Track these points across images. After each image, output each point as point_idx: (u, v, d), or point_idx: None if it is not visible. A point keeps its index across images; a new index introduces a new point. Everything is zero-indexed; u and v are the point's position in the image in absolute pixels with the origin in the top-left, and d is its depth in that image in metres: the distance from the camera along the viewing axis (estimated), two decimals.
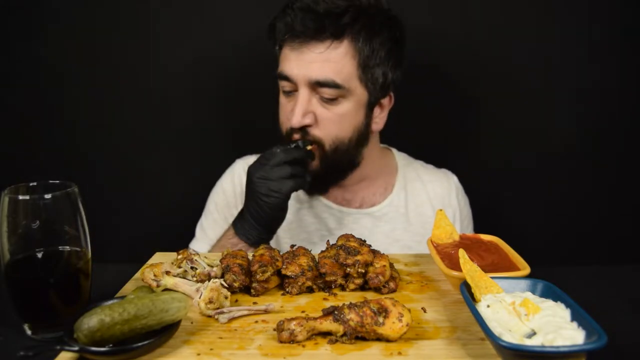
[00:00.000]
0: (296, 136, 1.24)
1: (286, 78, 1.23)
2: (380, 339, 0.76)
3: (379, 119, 1.32)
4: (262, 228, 1.16)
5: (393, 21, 1.26)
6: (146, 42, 1.63)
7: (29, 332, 0.81)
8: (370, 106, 1.27)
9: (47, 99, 1.65)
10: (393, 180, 1.43)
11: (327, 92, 1.20)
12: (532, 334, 0.70)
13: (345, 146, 1.26)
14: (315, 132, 1.23)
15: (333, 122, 1.22)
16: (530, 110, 1.63)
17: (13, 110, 1.66)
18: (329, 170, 1.27)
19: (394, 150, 1.49)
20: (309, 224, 1.35)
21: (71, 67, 1.63)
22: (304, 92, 1.21)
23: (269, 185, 1.13)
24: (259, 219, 1.15)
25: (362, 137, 1.28)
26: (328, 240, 1.03)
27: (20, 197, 0.78)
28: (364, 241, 1.00)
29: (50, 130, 1.67)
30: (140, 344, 0.72)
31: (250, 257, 0.98)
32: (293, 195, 1.36)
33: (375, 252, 0.98)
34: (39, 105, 1.66)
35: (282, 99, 1.30)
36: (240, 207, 1.32)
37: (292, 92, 1.25)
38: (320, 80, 1.19)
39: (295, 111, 1.21)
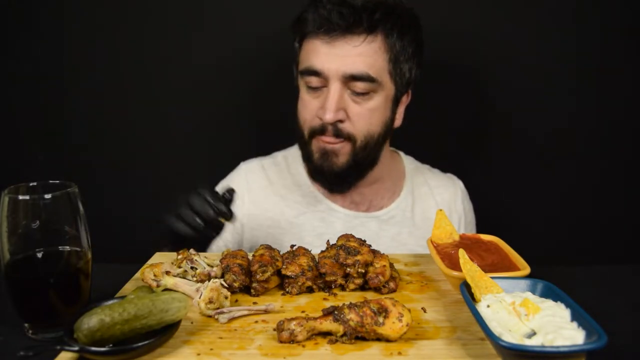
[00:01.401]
0: (328, 134, 1.21)
1: (315, 73, 1.21)
2: (380, 339, 0.76)
3: (399, 116, 1.33)
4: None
5: (417, 21, 1.28)
6: (150, 41, 1.63)
7: (29, 332, 0.81)
8: (395, 101, 1.28)
9: (48, 98, 1.65)
10: (401, 184, 1.42)
11: (360, 86, 1.19)
12: (532, 334, 0.70)
13: (374, 142, 1.25)
14: (348, 128, 1.21)
15: (365, 117, 1.22)
16: (531, 111, 1.63)
17: (13, 110, 1.66)
18: (356, 166, 1.26)
19: (402, 154, 1.49)
20: (315, 227, 1.35)
21: (72, 66, 1.63)
22: (336, 87, 1.19)
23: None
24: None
25: (387, 132, 1.28)
26: (328, 240, 1.03)
27: (20, 197, 0.78)
28: (364, 241, 1.00)
29: (50, 130, 1.66)
30: (140, 344, 0.72)
31: (250, 257, 0.98)
32: (298, 198, 1.36)
33: (375, 252, 0.98)
34: (39, 105, 1.65)
35: (306, 96, 1.26)
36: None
37: (320, 88, 1.23)
38: (355, 74, 1.18)
39: (328, 106, 1.19)
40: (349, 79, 1.19)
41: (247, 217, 1.37)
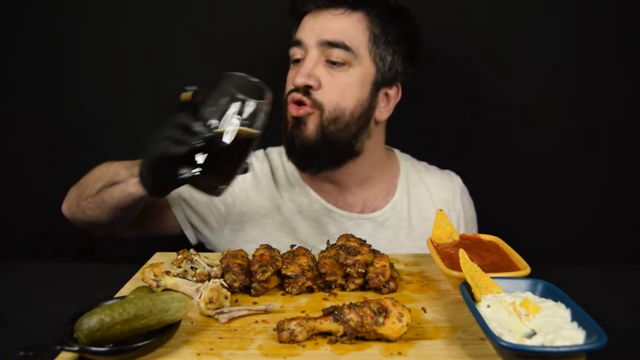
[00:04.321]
0: (296, 96, 1.22)
1: (297, 43, 1.25)
2: (380, 339, 0.76)
3: (384, 109, 1.31)
4: (147, 177, 1.00)
5: (408, 16, 1.30)
6: (152, 38, 1.62)
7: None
8: (376, 85, 1.27)
9: (49, 95, 1.64)
10: (395, 183, 1.40)
11: (336, 54, 1.21)
12: (532, 334, 0.70)
13: (346, 119, 1.24)
14: (317, 95, 1.22)
15: (337, 89, 1.23)
16: (532, 110, 1.63)
17: (14, 108, 1.66)
18: (325, 143, 1.23)
19: (397, 151, 1.48)
20: (308, 227, 1.33)
21: (73, 65, 1.62)
22: (312, 53, 1.23)
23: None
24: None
25: (364, 117, 1.27)
26: (328, 241, 1.03)
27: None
28: (364, 241, 1.00)
29: (50, 128, 1.66)
30: (140, 344, 0.72)
31: (250, 257, 0.98)
32: (293, 196, 1.36)
33: (375, 252, 0.98)
34: (40, 103, 1.65)
35: (290, 72, 1.30)
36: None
37: (301, 61, 1.26)
38: (330, 40, 1.21)
39: (300, 70, 1.22)
40: (325, 46, 1.22)
41: (243, 196, 1.35)
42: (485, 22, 1.59)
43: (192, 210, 1.33)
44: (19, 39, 1.62)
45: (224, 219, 1.34)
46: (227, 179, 0.93)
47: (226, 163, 0.92)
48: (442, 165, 1.50)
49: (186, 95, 0.92)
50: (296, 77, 1.21)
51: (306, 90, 1.22)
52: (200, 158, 0.87)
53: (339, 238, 1.03)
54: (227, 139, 0.88)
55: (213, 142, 0.87)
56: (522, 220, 1.68)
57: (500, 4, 1.58)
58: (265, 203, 1.35)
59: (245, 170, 0.97)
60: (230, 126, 0.88)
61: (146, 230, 1.33)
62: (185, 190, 1.32)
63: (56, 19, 1.61)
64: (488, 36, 1.59)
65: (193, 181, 0.89)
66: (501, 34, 1.59)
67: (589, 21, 1.57)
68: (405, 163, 1.45)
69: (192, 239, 1.36)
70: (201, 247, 1.40)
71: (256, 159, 1.41)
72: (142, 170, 0.99)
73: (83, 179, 1.20)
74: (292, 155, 1.29)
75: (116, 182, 1.09)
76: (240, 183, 1.35)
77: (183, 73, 1.64)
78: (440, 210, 1.07)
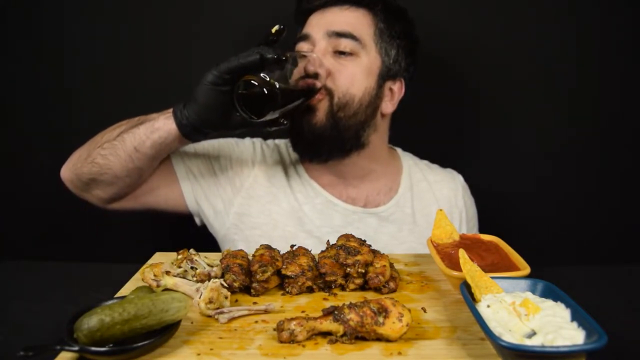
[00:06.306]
0: (309, 81, 1.22)
1: (304, 37, 1.29)
2: (380, 339, 0.76)
3: (389, 103, 1.33)
4: (192, 104, 1.11)
5: (407, 17, 1.34)
6: (153, 35, 1.62)
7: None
8: (382, 77, 1.29)
9: (50, 95, 1.64)
10: (398, 180, 1.42)
11: (344, 44, 1.25)
12: (532, 334, 0.70)
13: (355, 105, 1.25)
14: (327, 82, 1.24)
15: (345, 76, 1.25)
16: (532, 109, 1.63)
17: (14, 108, 1.66)
18: (334, 129, 1.24)
19: (399, 150, 1.49)
20: (314, 218, 1.33)
21: (74, 63, 1.62)
22: (320, 45, 1.26)
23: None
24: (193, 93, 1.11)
25: (371, 106, 1.28)
26: (328, 241, 1.04)
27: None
28: (364, 241, 1.00)
29: (51, 127, 1.66)
30: (140, 344, 0.72)
31: (250, 257, 0.98)
32: (299, 187, 1.36)
33: (375, 252, 0.98)
34: (41, 103, 1.65)
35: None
36: (226, 166, 1.35)
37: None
38: (338, 31, 1.25)
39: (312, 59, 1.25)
40: (333, 37, 1.25)
41: (251, 180, 1.35)
42: (486, 20, 1.59)
43: (199, 187, 1.33)
44: (18, 38, 1.62)
45: (230, 201, 1.33)
46: (272, 108, 1.04)
47: (282, 95, 1.04)
48: (443, 166, 1.51)
49: (273, 29, 1.09)
50: (308, 66, 1.22)
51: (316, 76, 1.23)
52: (266, 75, 1.02)
53: (338, 238, 1.03)
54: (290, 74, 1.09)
55: (281, 63, 1.04)
56: (522, 220, 1.68)
57: (499, 3, 1.59)
58: (273, 189, 1.35)
59: (283, 124, 1.13)
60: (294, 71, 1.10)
61: (147, 202, 1.31)
62: (195, 166, 1.33)
63: (55, 16, 1.61)
64: (489, 35, 1.59)
65: (248, 93, 1.02)
66: (502, 32, 1.59)
67: (588, 18, 1.58)
68: (408, 161, 1.46)
69: (197, 220, 1.37)
70: (201, 247, 1.40)
71: (267, 146, 1.43)
72: (187, 102, 1.11)
73: (95, 137, 1.24)
74: (298, 144, 1.31)
75: (143, 121, 1.16)
76: (249, 167, 1.36)
77: (183, 75, 1.64)
78: (441, 210, 1.07)
